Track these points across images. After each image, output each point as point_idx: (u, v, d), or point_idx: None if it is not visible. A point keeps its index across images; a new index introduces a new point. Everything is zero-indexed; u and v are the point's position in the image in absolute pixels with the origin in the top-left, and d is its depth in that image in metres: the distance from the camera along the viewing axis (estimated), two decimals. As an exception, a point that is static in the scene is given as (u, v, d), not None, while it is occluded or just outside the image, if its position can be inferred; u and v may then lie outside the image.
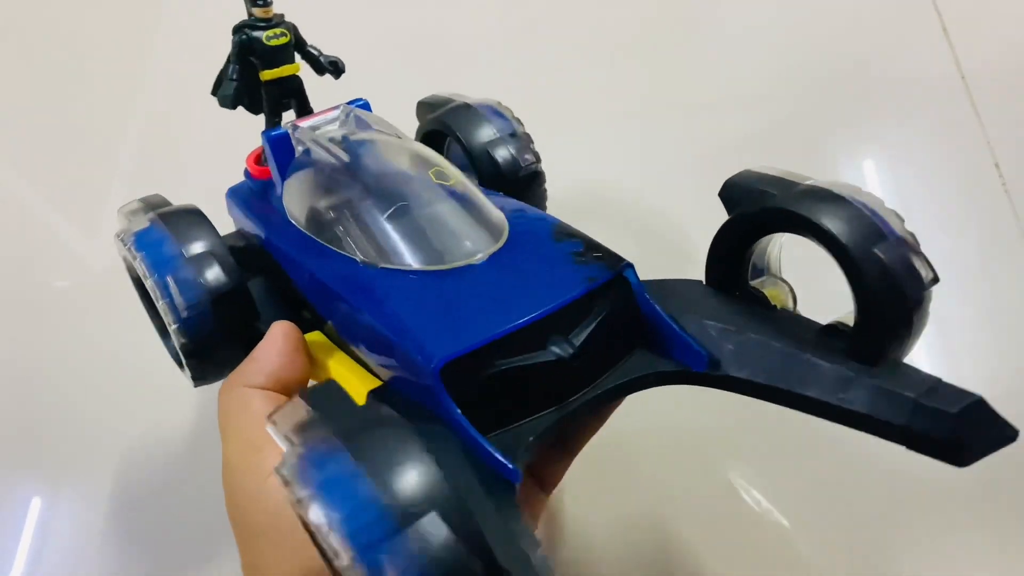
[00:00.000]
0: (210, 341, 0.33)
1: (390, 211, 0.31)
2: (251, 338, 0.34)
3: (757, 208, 0.27)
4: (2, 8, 0.70)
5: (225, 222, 0.39)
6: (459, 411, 0.25)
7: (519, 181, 0.39)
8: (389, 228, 0.31)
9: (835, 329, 0.27)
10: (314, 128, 0.36)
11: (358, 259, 0.31)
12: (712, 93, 0.60)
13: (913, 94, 0.57)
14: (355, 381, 0.29)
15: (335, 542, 0.18)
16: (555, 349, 0.27)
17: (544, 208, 0.41)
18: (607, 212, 0.54)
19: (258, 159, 0.40)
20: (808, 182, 0.27)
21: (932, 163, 0.54)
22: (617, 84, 0.62)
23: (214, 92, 0.38)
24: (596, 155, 0.57)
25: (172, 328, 0.32)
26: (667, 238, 0.53)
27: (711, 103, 0.60)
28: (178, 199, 0.37)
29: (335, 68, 0.39)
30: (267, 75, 0.37)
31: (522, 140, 0.40)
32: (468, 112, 0.40)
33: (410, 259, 0.30)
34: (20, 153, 0.63)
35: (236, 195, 0.39)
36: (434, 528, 0.18)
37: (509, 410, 0.27)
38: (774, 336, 0.27)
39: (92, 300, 0.53)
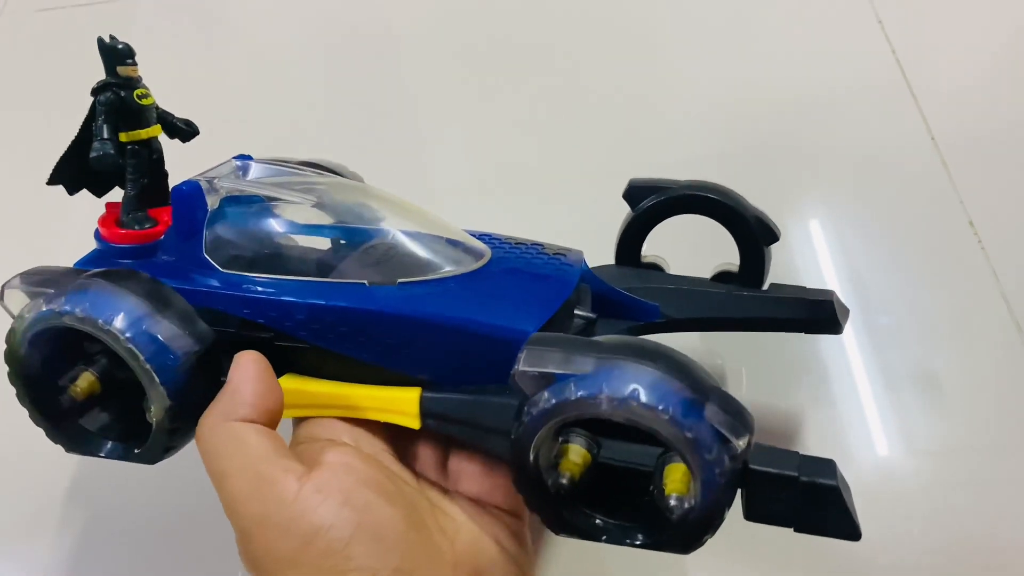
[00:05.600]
0: (194, 401, 0.31)
1: (386, 235, 0.34)
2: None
3: (665, 197, 0.37)
4: None
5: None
6: None
7: None
8: (393, 249, 0.33)
9: (725, 274, 0.38)
10: (216, 178, 0.35)
11: (367, 283, 0.32)
12: (669, 154, 0.59)
13: (883, 156, 0.57)
14: (391, 394, 0.32)
15: (648, 404, 0.24)
16: (582, 315, 0.33)
17: None
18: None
19: (117, 221, 0.36)
20: (686, 180, 0.38)
21: (906, 222, 0.53)
22: (562, 147, 0.60)
23: (58, 170, 0.35)
24: (534, 218, 0.55)
25: (157, 391, 0.30)
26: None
27: (667, 164, 0.55)
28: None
29: (189, 127, 0.39)
30: (140, 135, 0.36)
31: None
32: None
33: (422, 272, 0.33)
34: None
35: (99, 265, 0.36)
36: (718, 406, 0.25)
37: None
38: (697, 285, 0.38)
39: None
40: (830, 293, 0.37)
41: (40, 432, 0.34)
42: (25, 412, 0.33)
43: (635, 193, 0.38)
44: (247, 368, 0.30)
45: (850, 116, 0.59)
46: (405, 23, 0.68)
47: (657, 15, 0.67)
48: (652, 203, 0.38)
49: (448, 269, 0.33)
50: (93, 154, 0.34)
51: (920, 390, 0.45)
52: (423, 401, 0.31)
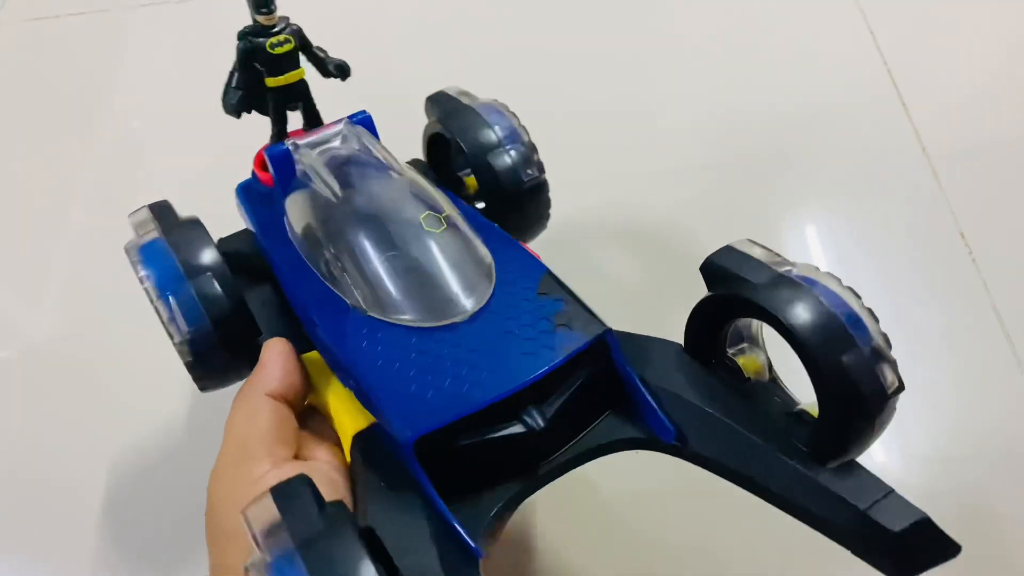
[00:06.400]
0: (212, 357, 0.35)
1: (379, 260, 0.31)
2: (253, 351, 0.35)
3: (731, 294, 0.27)
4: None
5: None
6: (432, 487, 0.26)
7: (521, 194, 0.39)
8: (378, 277, 0.31)
9: (801, 417, 0.27)
10: (312, 146, 0.36)
11: (348, 302, 0.31)
12: (662, 162, 0.59)
13: (874, 167, 0.57)
14: (346, 418, 0.31)
15: None
16: (527, 420, 0.28)
17: (546, 219, 0.41)
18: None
19: (262, 161, 0.40)
20: (784, 269, 0.26)
21: (898, 233, 0.53)
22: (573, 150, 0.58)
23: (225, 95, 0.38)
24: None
25: (176, 345, 0.34)
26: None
27: (659, 172, 0.58)
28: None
29: (341, 71, 0.39)
30: (272, 82, 0.37)
31: (526, 149, 0.39)
32: (471, 117, 0.39)
33: (396, 313, 0.30)
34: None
35: (247, 195, 0.40)
36: None
37: (477, 478, 0.28)
38: (742, 420, 0.27)
39: (34, 371, 0.52)
40: (919, 521, 0.24)
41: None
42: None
43: (713, 271, 0.28)
44: (274, 349, 0.33)
45: (842, 128, 0.59)
46: (402, 24, 0.70)
47: (654, 26, 0.68)
48: (725, 295, 0.27)
49: (421, 318, 0.30)
50: (223, 101, 0.37)
51: (914, 399, 0.40)
52: (354, 442, 0.30)
